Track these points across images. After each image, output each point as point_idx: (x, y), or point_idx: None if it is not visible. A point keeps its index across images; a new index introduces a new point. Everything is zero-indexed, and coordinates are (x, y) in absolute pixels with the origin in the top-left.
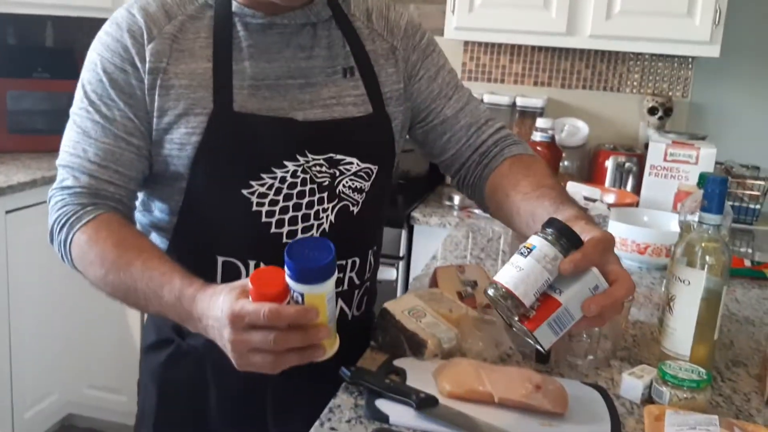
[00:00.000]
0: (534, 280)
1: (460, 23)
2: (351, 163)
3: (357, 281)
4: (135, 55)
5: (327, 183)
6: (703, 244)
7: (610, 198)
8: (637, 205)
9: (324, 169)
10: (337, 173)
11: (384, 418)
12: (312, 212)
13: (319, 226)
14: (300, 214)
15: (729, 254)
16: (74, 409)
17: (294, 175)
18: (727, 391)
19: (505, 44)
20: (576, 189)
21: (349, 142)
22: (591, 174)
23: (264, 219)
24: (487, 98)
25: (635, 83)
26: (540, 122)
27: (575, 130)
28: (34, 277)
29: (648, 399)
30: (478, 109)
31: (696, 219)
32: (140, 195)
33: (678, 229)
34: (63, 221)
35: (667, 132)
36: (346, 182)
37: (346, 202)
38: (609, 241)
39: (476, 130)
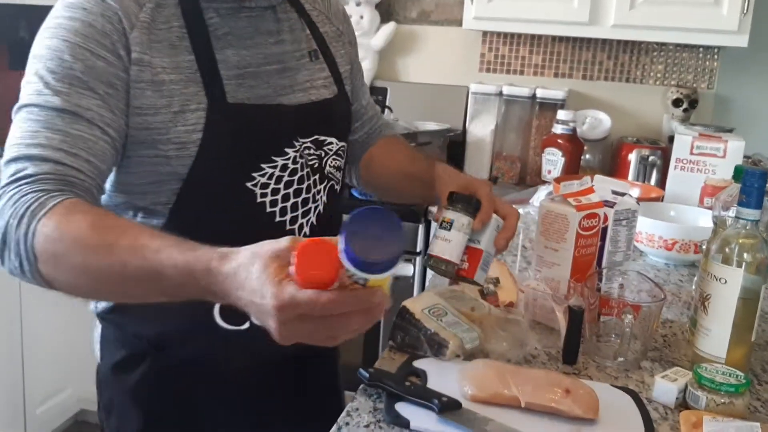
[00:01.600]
0: (459, 244)
1: (479, 13)
2: (332, 143)
3: None
4: (117, 42)
5: (317, 165)
6: (740, 241)
7: (635, 192)
8: (662, 199)
9: (312, 151)
10: (323, 154)
11: (404, 422)
12: (310, 196)
13: (315, 208)
14: (300, 199)
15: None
16: (87, 405)
17: (294, 161)
18: (765, 396)
19: (524, 34)
20: (603, 183)
21: (329, 123)
22: (613, 167)
23: (269, 209)
24: (506, 90)
25: (659, 74)
26: (561, 114)
27: (597, 123)
28: None
29: (682, 404)
30: (372, 103)
31: (731, 214)
32: (118, 199)
33: (708, 224)
34: (21, 213)
35: (692, 124)
36: (331, 162)
37: (332, 182)
38: (490, 187)
39: (375, 122)
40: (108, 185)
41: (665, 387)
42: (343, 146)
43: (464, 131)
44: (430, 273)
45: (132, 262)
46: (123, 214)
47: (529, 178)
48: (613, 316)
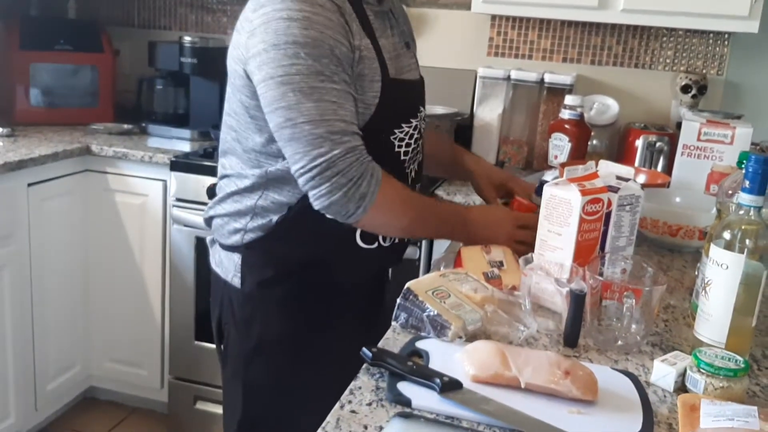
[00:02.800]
0: None
1: None
2: (422, 111)
3: None
4: (348, 33)
5: (418, 125)
6: (742, 227)
7: (641, 178)
8: (668, 185)
9: (420, 117)
10: (420, 119)
11: (406, 401)
12: (418, 149)
13: (418, 159)
14: (417, 150)
15: None
16: (96, 382)
17: (419, 121)
18: (764, 381)
19: (533, 18)
20: (608, 168)
21: (423, 97)
22: (620, 153)
23: (402, 157)
24: (514, 74)
25: (668, 60)
26: (569, 99)
27: (605, 108)
28: (55, 250)
29: (681, 387)
30: None
31: (735, 200)
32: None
33: (712, 211)
34: (368, 175)
35: (700, 111)
36: (422, 126)
37: (422, 140)
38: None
39: None
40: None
41: (664, 370)
42: (425, 114)
43: (472, 115)
44: (434, 255)
45: (446, 209)
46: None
47: (535, 163)
48: (615, 300)
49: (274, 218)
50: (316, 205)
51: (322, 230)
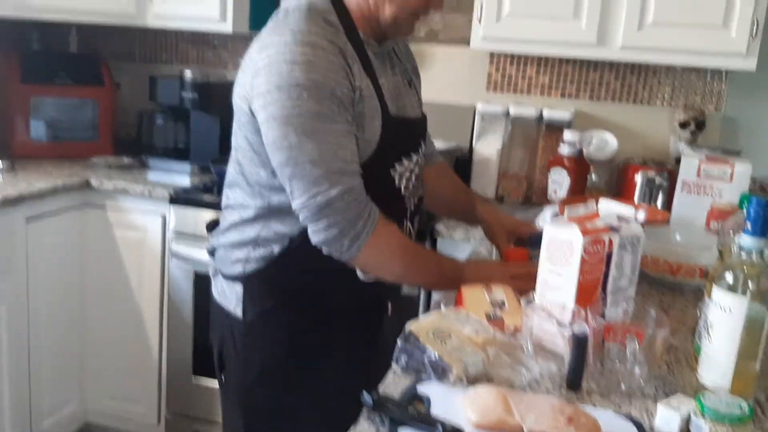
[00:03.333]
0: None
1: (486, 33)
2: (422, 148)
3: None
4: (349, 74)
5: (419, 160)
6: (745, 269)
7: (641, 215)
8: (668, 222)
9: (419, 152)
10: (420, 155)
11: None
12: (417, 183)
13: (418, 192)
14: (417, 183)
15: None
16: (92, 418)
17: (419, 156)
18: None
19: (532, 55)
20: (609, 207)
21: (422, 134)
22: (619, 189)
23: (402, 192)
24: (513, 110)
25: (666, 96)
26: (567, 135)
27: (603, 144)
28: (53, 285)
29: None
30: None
31: (736, 241)
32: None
33: (713, 249)
34: (365, 216)
35: (699, 147)
36: (422, 161)
37: (422, 174)
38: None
39: (429, 145)
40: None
41: (668, 415)
42: (433, 150)
43: (471, 150)
44: (435, 294)
45: (444, 260)
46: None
47: (535, 197)
48: (617, 342)
49: (276, 249)
50: (313, 240)
51: (322, 261)
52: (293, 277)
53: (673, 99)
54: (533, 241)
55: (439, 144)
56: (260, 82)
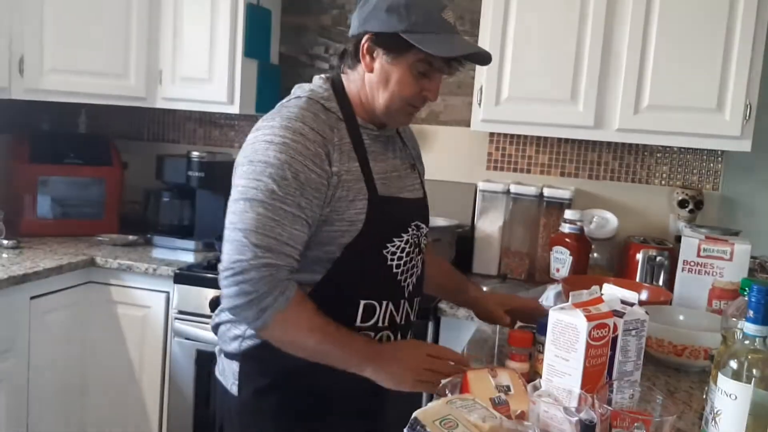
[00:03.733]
0: None
1: (486, 116)
2: (423, 227)
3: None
4: (325, 161)
5: (417, 242)
6: (749, 356)
7: (644, 295)
8: (670, 302)
9: (416, 231)
10: (420, 235)
11: None
12: (414, 263)
13: (415, 272)
14: (411, 264)
15: None
16: None
17: (412, 236)
18: None
19: (531, 135)
20: (613, 291)
21: (422, 214)
22: (621, 267)
23: (394, 270)
24: (513, 188)
25: (664, 175)
26: (568, 214)
27: (604, 222)
28: (54, 363)
29: None
30: None
31: (739, 327)
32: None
33: (717, 331)
34: (276, 292)
35: (699, 226)
36: (423, 241)
37: (422, 254)
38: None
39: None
40: None
41: None
42: (427, 231)
43: (473, 227)
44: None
45: (343, 337)
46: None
47: (537, 275)
48: (625, 428)
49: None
50: (223, 304)
51: None
52: (287, 355)
53: (671, 178)
54: (539, 325)
55: (441, 221)
56: (240, 156)
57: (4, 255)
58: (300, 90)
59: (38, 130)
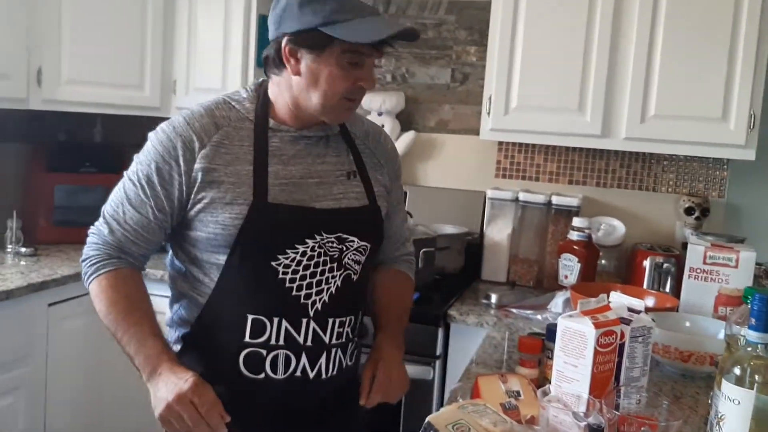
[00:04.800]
0: None
1: (495, 125)
2: (353, 240)
3: (351, 336)
4: (181, 156)
5: (336, 255)
6: (751, 363)
7: (650, 301)
8: (677, 309)
9: (334, 245)
10: (344, 248)
11: None
12: (324, 278)
13: (327, 289)
14: (315, 280)
15: None
16: None
17: (312, 249)
18: None
19: (539, 144)
20: (620, 299)
21: (353, 225)
22: (629, 273)
23: (287, 285)
24: (522, 196)
25: (671, 183)
26: (576, 221)
27: (612, 229)
28: (71, 369)
29: None
30: (404, 228)
31: (743, 334)
32: (182, 267)
33: (720, 335)
34: (93, 261)
35: (704, 234)
36: (350, 256)
37: (348, 271)
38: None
39: (395, 250)
40: (177, 259)
41: None
42: (364, 245)
43: (482, 234)
44: (450, 378)
45: (133, 327)
46: (185, 280)
47: (546, 282)
48: None
49: (177, 347)
50: None
51: (209, 354)
52: (208, 354)
53: (678, 186)
54: (548, 332)
55: (450, 229)
56: None
57: (22, 262)
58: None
59: (55, 139)
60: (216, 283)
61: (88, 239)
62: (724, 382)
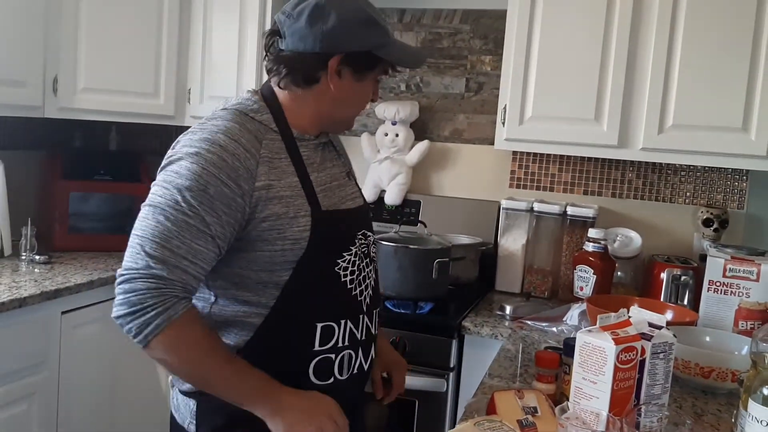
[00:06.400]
0: None
1: (510, 134)
2: (370, 235)
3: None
4: (243, 176)
5: (366, 251)
6: None
7: (669, 315)
8: (696, 323)
9: (363, 241)
10: (368, 243)
11: None
12: (366, 274)
13: (369, 284)
14: (362, 276)
15: None
16: None
17: (360, 248)
18: None
19: (554, 154)
20: (641, 315)
21: (367, 221)
22: (646, 285)
23: (349, 286)
24: (537, 206)
25: (688, 194)
26: (592, 232)
27: (628, 241)
28: (84, 378)
29: None
30: None
31: None
32: (221, 293)
33: (743, 351)
34: (157, 309)
35: (724, 246)
36: (372, 249)
37: (374, 263)
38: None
39: None
40: (211, 288)
41: None
42: (372, 237)
43: (496, 245)
44: (464, 390)
45: (229, 367)
46: (234, 301)
47: (561, 293)
48: None
49: None
50: (112, 312)
51: (271, 373)
52: None
53: (695, 197)
54: (565, 346)
55: (464, 239)
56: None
57: (36, 270)
58: (225, 103)
59: (70, 147)
60: (276, 301)
61: (131, 285)
62: (751, 402)
